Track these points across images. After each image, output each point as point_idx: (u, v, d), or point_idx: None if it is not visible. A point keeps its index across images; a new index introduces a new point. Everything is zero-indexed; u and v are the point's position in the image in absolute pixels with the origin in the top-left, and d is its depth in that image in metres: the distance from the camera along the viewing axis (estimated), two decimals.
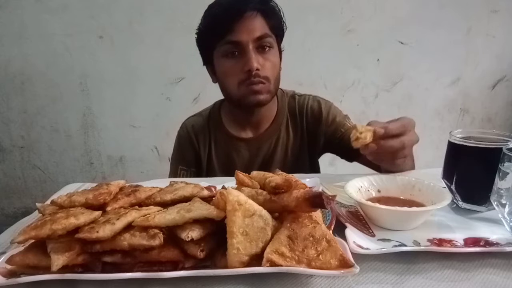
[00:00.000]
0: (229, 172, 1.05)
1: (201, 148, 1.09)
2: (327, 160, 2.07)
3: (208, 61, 1.01)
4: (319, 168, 1.15)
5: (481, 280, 0.47)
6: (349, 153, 1.01)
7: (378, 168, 0.91)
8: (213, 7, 0.94)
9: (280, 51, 1.00)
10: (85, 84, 2.10)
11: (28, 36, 2.02)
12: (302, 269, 0.45)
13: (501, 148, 0.55)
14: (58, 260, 0.45)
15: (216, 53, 0.96)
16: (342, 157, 1.07)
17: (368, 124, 0.71)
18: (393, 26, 2.08)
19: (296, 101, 1.09)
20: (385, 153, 0.71)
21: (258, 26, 0.91)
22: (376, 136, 0.67)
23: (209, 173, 1.09)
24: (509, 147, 0.54)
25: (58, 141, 2.19)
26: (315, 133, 1.06)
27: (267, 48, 0.93)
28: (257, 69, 0.91)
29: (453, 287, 0.46)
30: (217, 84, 1.03)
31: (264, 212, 0.50)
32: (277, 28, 0.96)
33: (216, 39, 0.93)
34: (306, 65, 2.10)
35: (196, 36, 0.99)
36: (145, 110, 2.14)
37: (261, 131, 1.06)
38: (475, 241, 0.54)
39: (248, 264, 0.47)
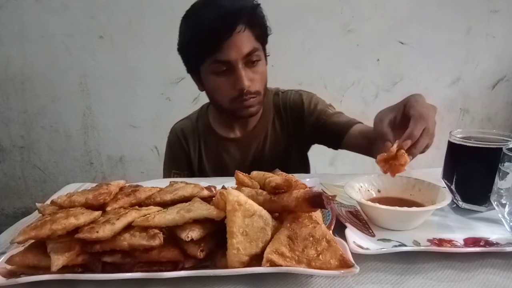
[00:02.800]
0: (220, 173, 1.06)
1: (191, 151, 1.10)
2: (327, 160, 2.08)
3: (193, 71, 0.99)
4: (309, 163, 1.16)
5: (481, 280, 0.47)
6: (334, 140, 1.01)
7: (368, 152, 0.92)
8: (198, 20, 0.89)
9: (266, 56, 0.99)
10: (85, 84, 2.10)
11: (28, 36, 2.01)
12: (302, 269, 0.45)
13: (501, 148, 0.55)
14: (58, 260, 0.45)
15: (203, 68, 0.93)
16: (328, 146, 1.07)
17: (377, 124, 0.68)
18: (393, 26, 2.08)
19: (280, 97, 1.10)
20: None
21: (246, 41, 0.88)
22: (409, 151, 0.62)
23: (201, 175, 1.09)
24: (509, 147, 0.54)
25: (58, 141, 2.19)
26: (300, 124, 1.07)
27: (256, 61, 0.92)
28: (248, 86, 0.90)
29: (453, 287, 0.46)
30: None
31: (264, 212, 0.50)
32: (263, 36, 0.95)
33: (203, 56, 0.90)
34: (306, 65, 2.09)
35: (178, 45, 0.96)
36: (145, 110, 2.14)
37: (249, 130, 1.07)
38: (475, 241, 0.54)
39: (248, 264, 0.47)
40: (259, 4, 0.92)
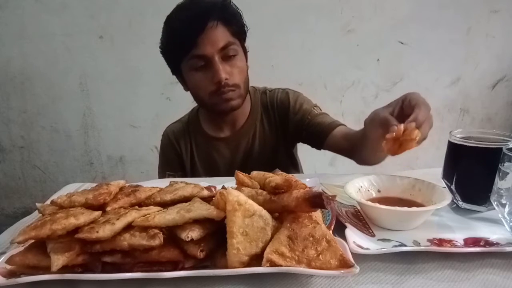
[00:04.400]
0: (212, 172, 1.09)
1: (183, 152, 1.12)
2: (327, 160, 2.08)
3: (176, 72, 1.02)
4: (297, 161, 1.18)
5: (481, 280, 0.47)
6: (317, 140, 1.03)
7: (349, 154, 0.95)
8: (173, 21, 0.94)
9: (245, 52, 1.01)
10: (85, 84, 2.10)
11: (28, 36, 2.01)
12: (302, 269, 0.45)
13: (501, 148, 0.55)
14: (58, 260, 0.45)
15: (183, 66, 0.97)
16: (312, 146, 1.08)
17: (376, 115, 0.69)
18: (393, 26, 2.08)
19: (268, 95, 1.12)
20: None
21: (221, 36, 0.91)
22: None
23: (193, 175, 1.11)
24: (509, 147, 0.54)
25: (58, 141, 2.19)
26: (285, 122, 1.09)
27: (233, 56, 0.94)
28: (226, 79, 0.92)
29: (453, 287, 0.46)
30: None
31: (264, 212, 0.50)
32: (240, 32, 0.97)
33: (181, 53, 0.94)
34: (306, 65, 2.09)
35: (160, 49, 1.00)
36: (145, 110, 2.14)
37: (238, 128, 1.09)
38: (475, 241, 0.54)
39: (248, 264, 0.47)
40: (230, 1, 0.95)
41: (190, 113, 1.17)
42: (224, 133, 1.10)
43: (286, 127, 1.09)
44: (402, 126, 0.60)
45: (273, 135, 1.10)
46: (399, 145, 0.61)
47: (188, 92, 1.03)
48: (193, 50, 0.91)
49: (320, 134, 1.00)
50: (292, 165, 1.15)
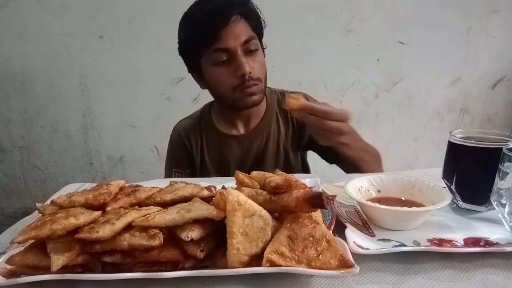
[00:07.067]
0: (223, 171, 1.07)
1: (193, 149, 1.10)
2: None
3: (194, 69, 1.01)
4: (309, 167, 1.17)
5: (481, 280, 0.47)
6: (329, 153, 1.00)
7: (354, 169, 0.93)
8: (194, 15, 0.94)
9: (263, 49, 1.02)
10: (85, 84, 2.10)
11: (28, 36, 2.01)
12: (302, 269, 0.45)
13: (501, 148, 0.55)
14: (58, 260, 0.45)
15: (204, 61, 0.96)
16: (322, 157, 1.08)
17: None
18: (393, 26, 2.08)
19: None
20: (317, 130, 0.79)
21: (243, 30, 0.92)
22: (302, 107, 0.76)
23: (203, 173, 1.10)
24: (509, 147, 0.54)
25: (58, 141, 2.19)
26: (302, 128, 1.08)
27: (254, 50, 0.94)
28: (250, 72, 0.92)
29: (453, 287, 0.46)
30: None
31: (264, 212, 0.50)
32: (259, 28, 0.98)
33: (202, 47, 0.93)
34: (306, 65, 2.09)
35: (178, 45, 0.99)
36: (145, 110, 2.14)
37: (252, 127, 1.08)
38: (475, 241, 0.54)
39: (248, 264, 0.47)
40: None
41: (202, 110, 1.15)
42: (238, 131, 1.08)
43: (302, 133, 1.08)
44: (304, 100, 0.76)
45: (288, 137, 1.08)
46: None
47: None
48: (215, 43, 0.90)
49: (334, 152, 0.93)
50: (304, 170, 1.13)
